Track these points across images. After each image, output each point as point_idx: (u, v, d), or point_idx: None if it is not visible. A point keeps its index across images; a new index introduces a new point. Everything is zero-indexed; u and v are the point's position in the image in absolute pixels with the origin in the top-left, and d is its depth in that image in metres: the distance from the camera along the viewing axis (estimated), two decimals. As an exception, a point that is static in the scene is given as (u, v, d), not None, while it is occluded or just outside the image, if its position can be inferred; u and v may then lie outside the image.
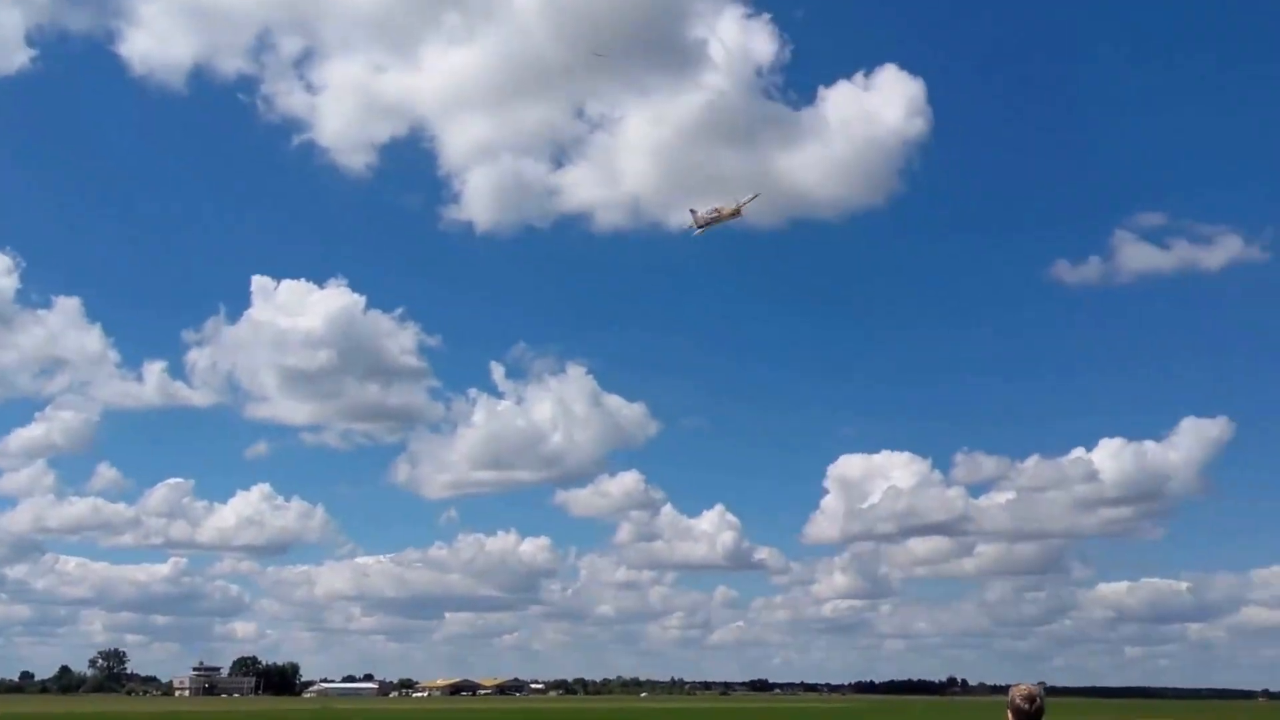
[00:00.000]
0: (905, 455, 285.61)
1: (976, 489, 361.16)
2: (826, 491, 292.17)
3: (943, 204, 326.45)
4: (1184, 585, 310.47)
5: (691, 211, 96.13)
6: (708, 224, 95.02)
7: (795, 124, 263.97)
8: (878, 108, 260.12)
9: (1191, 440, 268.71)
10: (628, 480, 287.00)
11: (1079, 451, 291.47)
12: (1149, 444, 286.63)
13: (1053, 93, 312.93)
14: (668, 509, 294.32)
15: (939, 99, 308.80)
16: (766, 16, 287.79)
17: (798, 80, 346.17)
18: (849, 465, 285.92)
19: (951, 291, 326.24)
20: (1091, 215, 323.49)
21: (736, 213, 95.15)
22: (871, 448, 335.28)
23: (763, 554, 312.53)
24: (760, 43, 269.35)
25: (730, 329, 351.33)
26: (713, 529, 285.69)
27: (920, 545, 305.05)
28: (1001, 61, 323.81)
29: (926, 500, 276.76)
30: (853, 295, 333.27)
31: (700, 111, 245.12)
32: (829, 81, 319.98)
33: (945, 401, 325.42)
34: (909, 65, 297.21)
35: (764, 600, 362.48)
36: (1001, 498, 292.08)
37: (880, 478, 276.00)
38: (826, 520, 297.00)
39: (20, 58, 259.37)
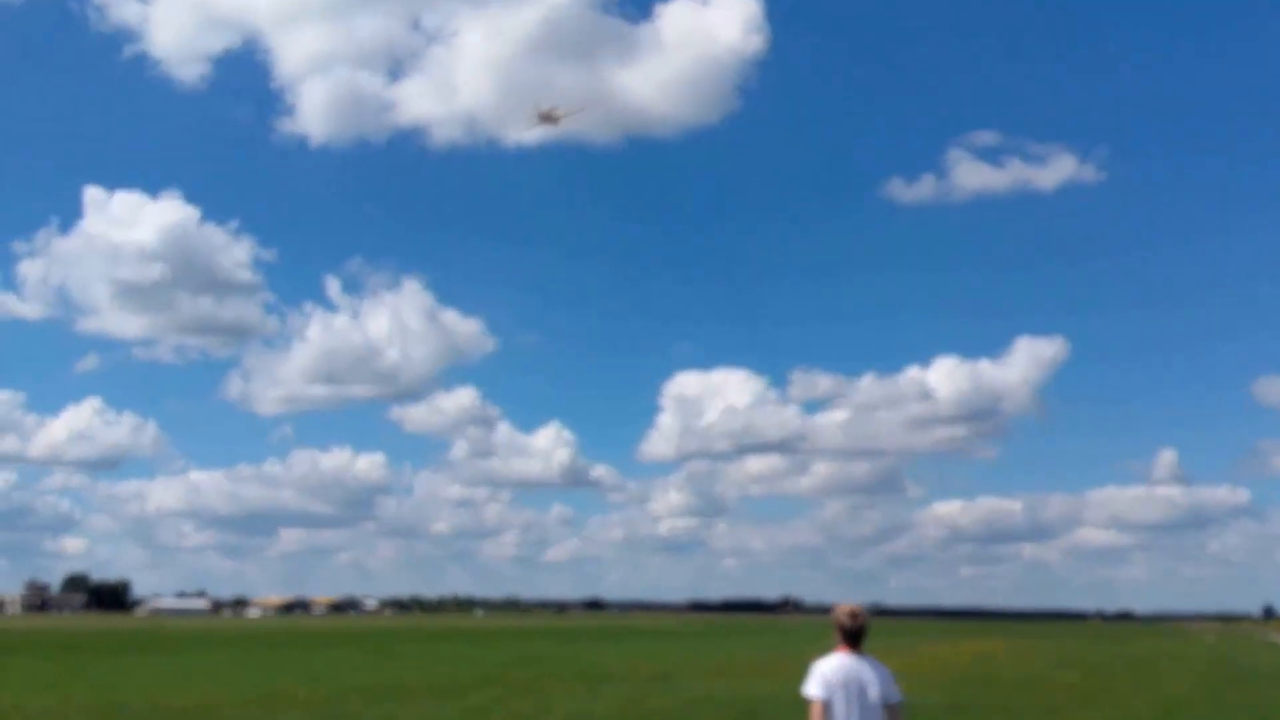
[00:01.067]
0: (741, 373, 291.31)
1: (812, 406, 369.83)
2: (663, 409, 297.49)
3: (778, 122, 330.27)
4: (1018, 505, 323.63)
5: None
6: (548, 118, 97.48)
7: (633, 40, 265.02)
8: (715, 25, 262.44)
9: (1026, 360, 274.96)
10: (463, 396, 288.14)
11: (914, 370, 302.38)
12: (984, 363, 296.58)
13: (889, 12, 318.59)
14: (504, 426, 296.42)
15: (776, 17, 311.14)
16: None
17: None
18: (685, 383, 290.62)
19: (787, 209, 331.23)
20: (926, 134, 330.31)
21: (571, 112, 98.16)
22: (707, 365, 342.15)
23: (599, 472, 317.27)
24: None
25: (568, 245, 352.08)
26: (548, 446, 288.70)
27: (756, 463, 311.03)
28: None
29: (762, 418, 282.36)
30: (689, 212, 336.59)
31: (537, 26, 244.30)
32: None
33: (780, 319, 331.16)
34: None
35: (600, 518, 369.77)
36: (837, 416, 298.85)
37: (717, 395, 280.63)
38: (662, 438, 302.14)
39: None
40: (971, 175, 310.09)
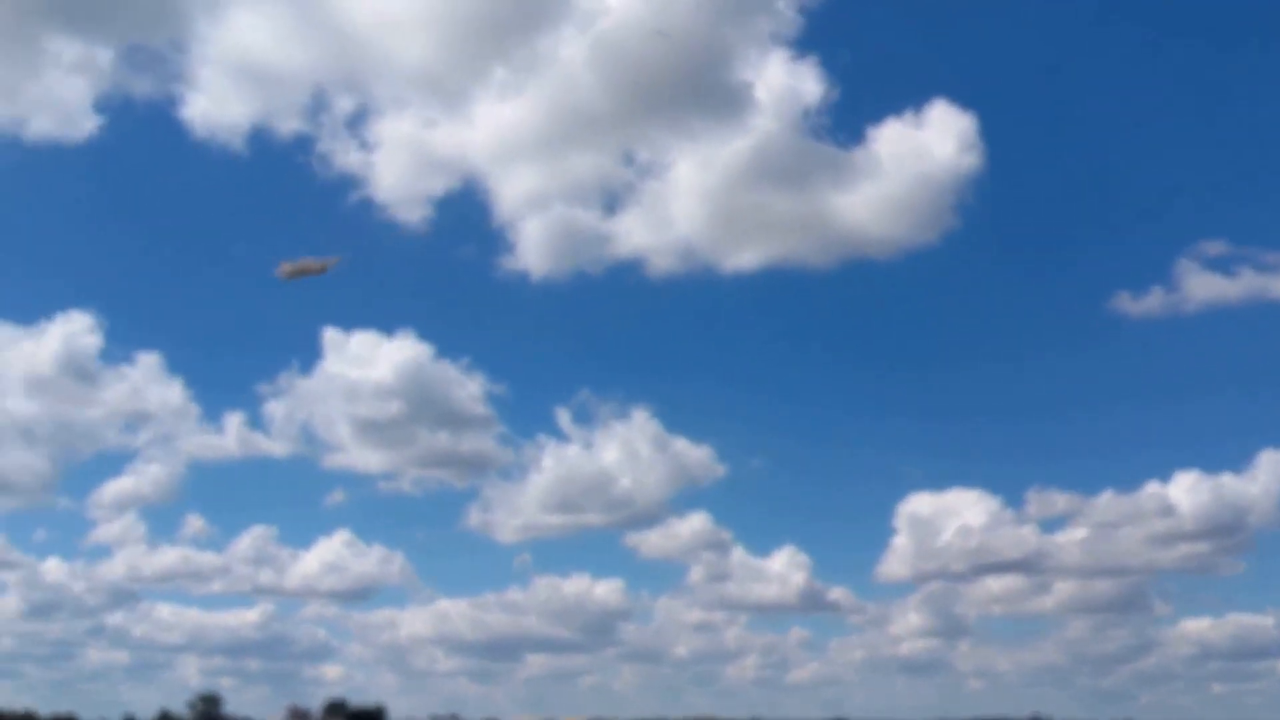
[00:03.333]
0: (975, 493, 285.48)
1: (1050, 525, 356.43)
2: (896, 531, 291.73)
3: (999, 239, 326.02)
4: (1269, 621, 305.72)
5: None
6: (296, 273, 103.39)
7: (846, 163, 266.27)
8: (929, 144, 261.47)
9: (1271, 473, 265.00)
10: (696, 521, 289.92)
11: (1154, 486, 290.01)
12: (1226, 476, 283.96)
13: (1107, 121, 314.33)
14: (738, 550, 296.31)
15: (991, 132, 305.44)
16: (813, 59, 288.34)
17: (846, 120, 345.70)
18: (918, 503, 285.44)
19: (1012, 327, 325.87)
20: (1152, 245, 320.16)
21: (322, 269, 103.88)
22: (940, 486, 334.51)
23: (835, 594, 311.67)
24: (807, 84, 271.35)
25: (790, 370, 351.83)
26: (784, 569, 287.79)
27: (995, 583, 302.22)
28: (1054, 90, 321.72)
29: (999, 538, 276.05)
30: (911, 333, 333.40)
31: (748, 154, 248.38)
32: (878, 120, 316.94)
33: (1013, 438, 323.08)
34: (959, 99, 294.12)
35: (839, 640, 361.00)
36: (1076, 534, 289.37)
37: (951, 515, 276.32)
38: (897, 560, 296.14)
39: (89, 125, 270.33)
40: (1202, 287, 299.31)
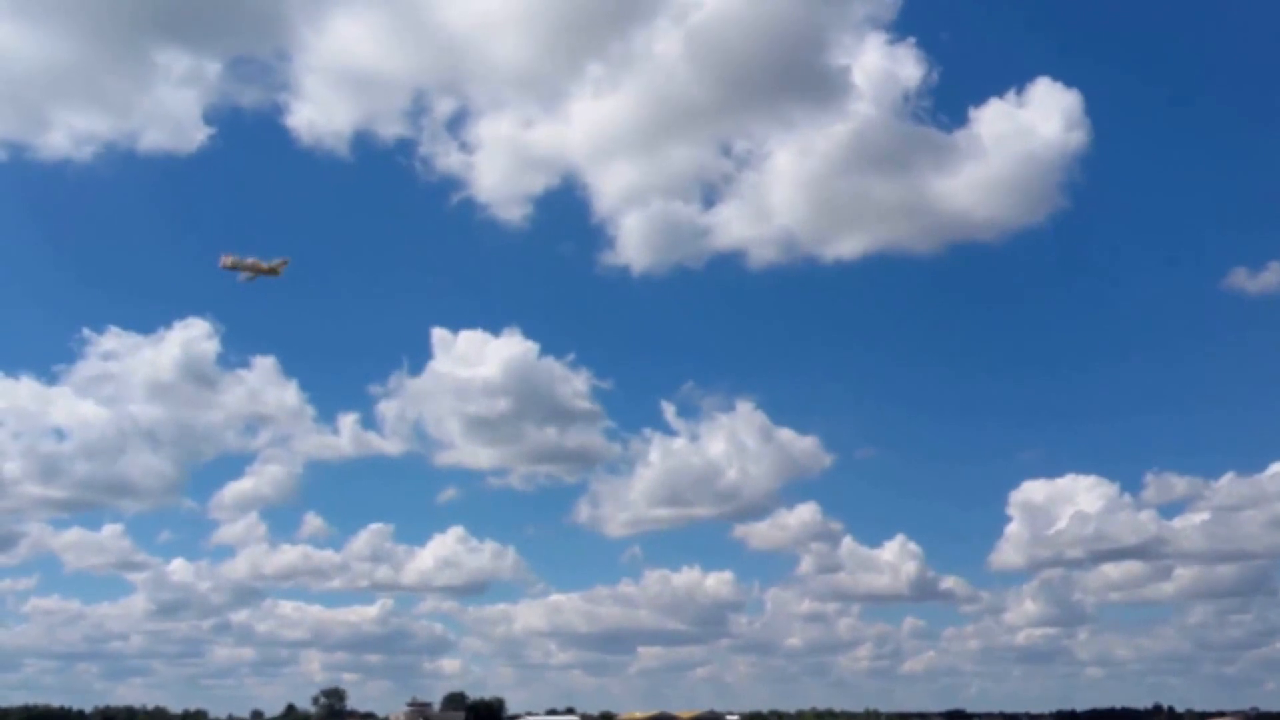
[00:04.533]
0: (1091, 478, 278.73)
1: (1169, 509, 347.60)
2: (1010, 518, 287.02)
3: (1108, 216, 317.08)
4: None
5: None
6: (239, 268, 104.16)
7: (948, 146, 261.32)
8: (1033, 123, 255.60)
9: None
10: (805, 512, 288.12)
11: (1278, 466, 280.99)
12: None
13: (1214, 93, 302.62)
14: (847, 540, 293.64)
15: (1097, 109, 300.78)
16: (910, 41, 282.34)
17: (947, 102, 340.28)
18: (1032, 490, 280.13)
19: (1124, 306, 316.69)
20: (1267, 219, 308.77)
21: (273, 270, 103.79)
22: (1054, 472, 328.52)
23: (948, 583, 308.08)
24: (905, 67, 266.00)
25: (897, 359, 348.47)
26: (895, 559, 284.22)
27: (1113, 570, 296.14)
28: (1159, 64, 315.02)
29: (1116, 524, 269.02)
30: (1020, 316, 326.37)
31: (848, 140, 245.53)
32: (979, 101, 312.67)
33: (1129, 421, 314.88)
34: (1063, 77, 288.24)
35: (954, 630, 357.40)
36: (1197, 518, 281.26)
37: (1066, 502, 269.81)
38: (1011, 547, 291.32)
39: (199, 136, 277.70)
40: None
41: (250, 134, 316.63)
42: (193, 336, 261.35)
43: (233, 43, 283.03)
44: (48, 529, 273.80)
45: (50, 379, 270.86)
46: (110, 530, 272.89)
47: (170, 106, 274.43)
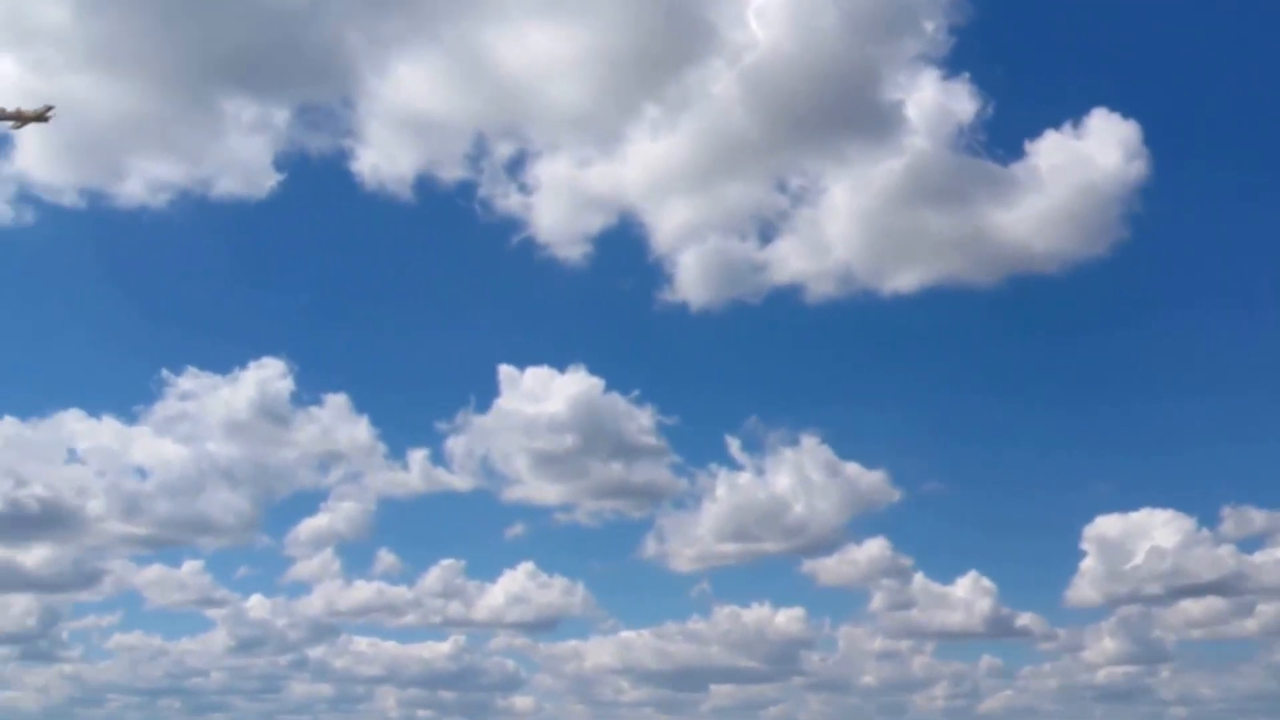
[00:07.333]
0: (1167, 513, 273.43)
1: (1248, 544, 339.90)
2: (1084, 553, 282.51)
3: (1171, 247, 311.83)
4: None
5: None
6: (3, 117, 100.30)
7: (1004, 178, 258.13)
8: (1091, 154, 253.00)
9: None
10: (874, 547, 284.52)
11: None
12: None
13: (1273, 119, 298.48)
14: (918, 576, 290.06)
15: (1157, 138, 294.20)
16: (965, 75, 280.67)
17: (1002, 135, 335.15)
18: (1106, 525, 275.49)
19: (1194, 336, 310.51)
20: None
21: (40, 117, 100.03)
22: (1128, 506, 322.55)
23: (1024, 620, 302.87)
24: (960, 101, 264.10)
25: (960, 389, 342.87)
26: (968, 595, 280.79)
27: (1193, 606, 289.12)
28: (1218, 91, 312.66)
29: (1194, 559, 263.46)
30: (1086, 347, 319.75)
31: (903, 174, 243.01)
32: (1035, 134, 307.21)
33: (1202, 453, 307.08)
34: (1120, 108, 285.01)
35: (1032, 668, 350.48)
36: (1278, 553, 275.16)
37: (1141, 537, 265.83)
38: (1087, 584, 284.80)
39: (269, 182, 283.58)
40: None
41: (318, 179, 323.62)
42: (267, 376, 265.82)
43: (299, 91, 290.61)
44: (130, 566, 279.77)
45: (130, 419, 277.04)
46: (190, 566, 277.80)
47: (241, 154, 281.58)
